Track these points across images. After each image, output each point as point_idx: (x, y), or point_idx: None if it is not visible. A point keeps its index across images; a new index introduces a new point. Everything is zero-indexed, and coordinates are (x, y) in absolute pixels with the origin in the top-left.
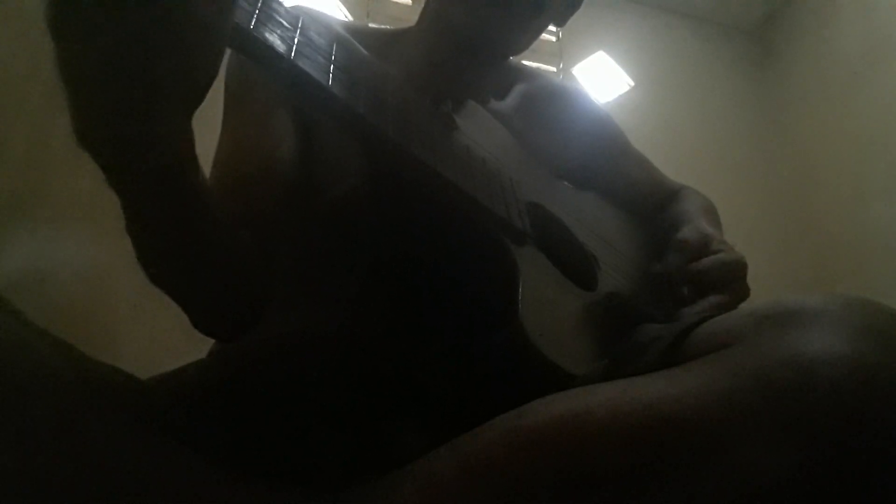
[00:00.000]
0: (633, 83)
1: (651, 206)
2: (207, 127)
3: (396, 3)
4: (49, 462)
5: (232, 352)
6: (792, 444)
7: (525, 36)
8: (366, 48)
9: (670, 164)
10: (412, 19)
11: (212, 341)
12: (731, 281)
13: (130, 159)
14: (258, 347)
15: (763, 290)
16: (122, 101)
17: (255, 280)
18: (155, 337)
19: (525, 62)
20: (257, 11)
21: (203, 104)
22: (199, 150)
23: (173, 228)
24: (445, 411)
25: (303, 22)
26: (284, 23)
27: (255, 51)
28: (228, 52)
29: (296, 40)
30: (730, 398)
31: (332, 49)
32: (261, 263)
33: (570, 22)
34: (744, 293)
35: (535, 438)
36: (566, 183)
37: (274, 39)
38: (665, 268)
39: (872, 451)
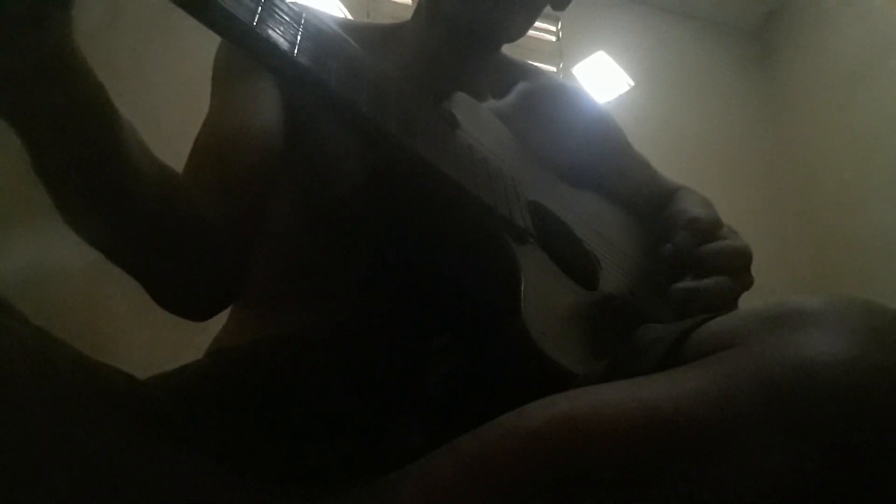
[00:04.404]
0: (633, 83)
1: (651, 207)
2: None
3: (396, 2)
4: (49, 462)
5: (231, 352)
6: (792, 446)
7: (519, 18)
8: (362, 44)
9: (670, 164)
10: None
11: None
12: (736, 268)
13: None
14: (258, 347)
15: (763, 291)
16: None
17: (224, 257)
18: (155, 337)
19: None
20: (260, 9)
21: (191, 103)
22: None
23: (82, 168)
24: (445, 411)
25: (305, 19)
26: (287, 20)
27: (257, 48)
28: (217, 42)
29: (298, 38)
30: (730, 399)
31: (334, 47)
32: (234, 239)
33: (570, 22)
34: (748, 282)
35: (535, 439)
36: (566, 182)
37: (277, 37)
38: (675, 247)
39: (873, 453)
